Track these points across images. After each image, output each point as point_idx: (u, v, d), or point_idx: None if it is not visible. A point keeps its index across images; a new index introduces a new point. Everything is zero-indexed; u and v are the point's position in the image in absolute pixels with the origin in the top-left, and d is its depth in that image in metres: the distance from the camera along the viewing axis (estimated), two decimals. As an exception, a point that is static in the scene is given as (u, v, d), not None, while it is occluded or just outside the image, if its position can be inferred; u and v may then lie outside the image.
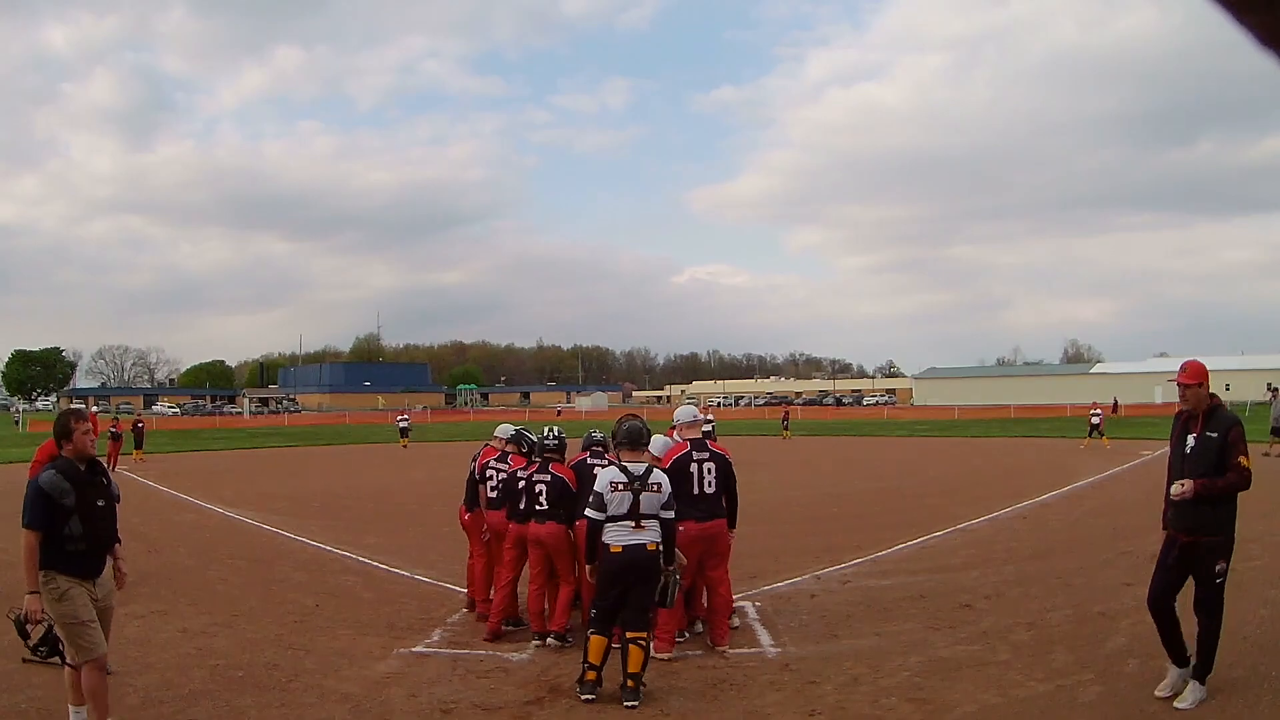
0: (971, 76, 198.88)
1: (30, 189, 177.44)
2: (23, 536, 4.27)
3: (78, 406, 6.16)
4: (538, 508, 6.33)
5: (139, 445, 25.84)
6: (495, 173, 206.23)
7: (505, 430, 7.32)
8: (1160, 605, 5.01)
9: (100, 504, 4.49)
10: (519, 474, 6.64)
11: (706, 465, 6.26)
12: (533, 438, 6.84)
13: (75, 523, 4.31)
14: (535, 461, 6.61)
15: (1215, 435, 4.93)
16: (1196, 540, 4.90)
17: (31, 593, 4.22)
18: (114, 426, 23.81)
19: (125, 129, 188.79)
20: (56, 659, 4.43)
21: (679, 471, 6.12)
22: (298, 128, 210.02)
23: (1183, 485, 4.85)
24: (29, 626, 4.30)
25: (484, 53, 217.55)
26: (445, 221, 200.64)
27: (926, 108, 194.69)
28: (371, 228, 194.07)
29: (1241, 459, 4.84)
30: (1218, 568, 4.87)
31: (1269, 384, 23.00)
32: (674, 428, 6.71)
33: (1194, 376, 5.08)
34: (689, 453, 6.28)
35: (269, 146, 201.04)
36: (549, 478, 6.38)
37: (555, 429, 6.77)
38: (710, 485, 6.23)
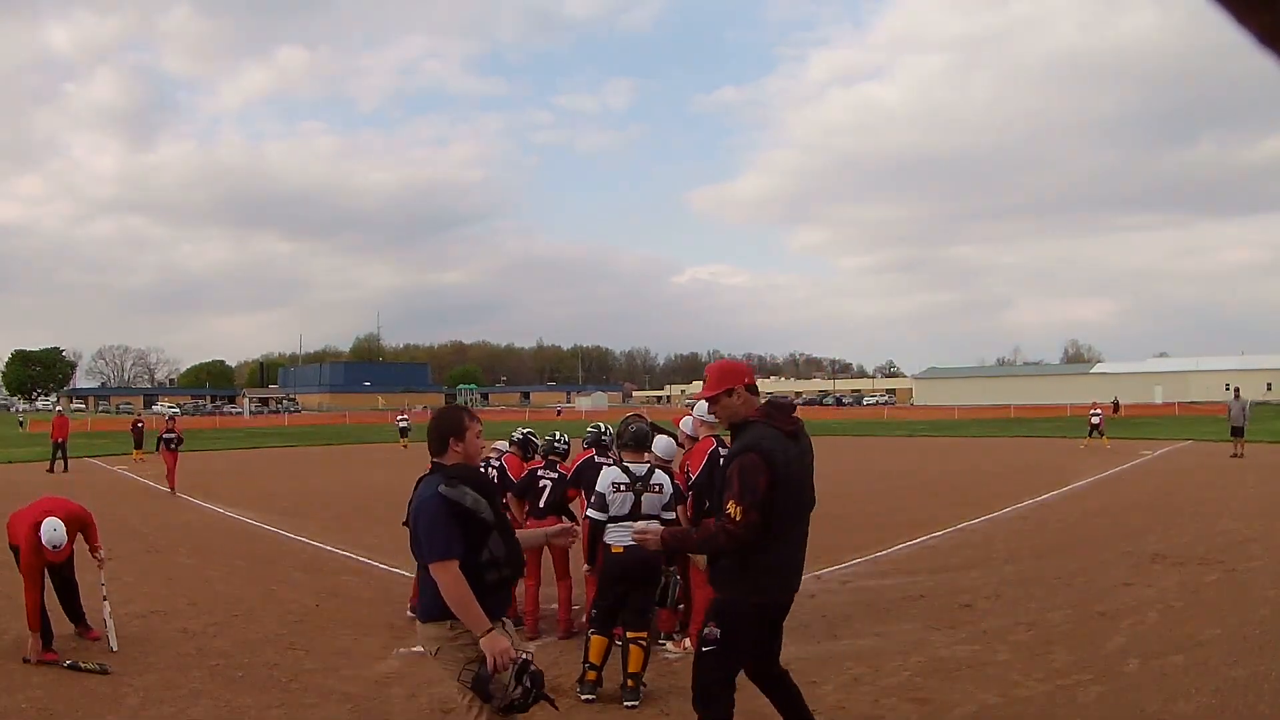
0: (972, 77, 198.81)
1: (32, 189, 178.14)
2: (440, 575, 3.16)
3: (462, 405, 4.78)
4: None
5: (139, 445, 25.83)
6: (496, 173, 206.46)
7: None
8: (757, 672, 3.84)
9: (508, 516, 3.52)
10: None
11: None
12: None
13: (496, 542, 3.31)
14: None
15: (725, 465, 3.58)
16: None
17: (487, 631, 3.14)
18: (170, 430, 17.68)
19: (127, 129, 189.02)
20: (545, 701, 3.31)
21: (715, 465, 6.19)
22: (299, 128, 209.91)
23: (646, 528, 3.63)
24: (494, 677, 3.15)
25: (486, 53, 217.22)
26: (445, 221, 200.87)
27: (927, 108, 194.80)
28: (372, 228, 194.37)
29: (730, 505, 3.32)
30: (705, 630, 3.60)
31: (1236, 386, 22.91)
32: (696, 420, 6.69)
33: (711, 383, 3.60)
34: (718, 449, 6.33)
35: (271, 146, 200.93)
36: None
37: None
38: None
